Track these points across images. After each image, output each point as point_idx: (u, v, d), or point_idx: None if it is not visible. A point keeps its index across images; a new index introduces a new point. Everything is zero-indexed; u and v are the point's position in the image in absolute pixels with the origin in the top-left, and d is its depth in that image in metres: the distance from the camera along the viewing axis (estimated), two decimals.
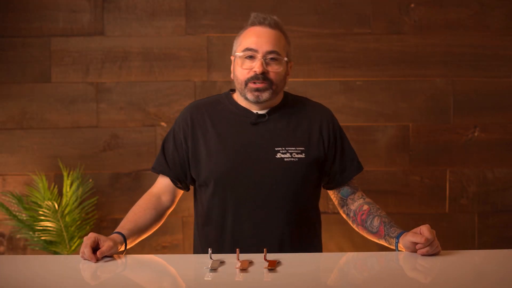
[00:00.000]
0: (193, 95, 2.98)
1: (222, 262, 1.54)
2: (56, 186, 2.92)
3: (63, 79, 2.98)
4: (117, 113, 2.99)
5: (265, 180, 1.76)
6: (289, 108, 1.85)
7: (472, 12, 2.99)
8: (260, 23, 1.78)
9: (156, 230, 1.88)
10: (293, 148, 1.78)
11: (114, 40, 2.98)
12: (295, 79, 2.99)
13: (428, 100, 3.00)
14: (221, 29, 2.97)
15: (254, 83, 1.75)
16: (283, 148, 1.78)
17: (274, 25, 1.78)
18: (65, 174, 2.86)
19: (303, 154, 1.79)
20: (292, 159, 1.77)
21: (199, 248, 1.88)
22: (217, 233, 1.81)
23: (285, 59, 1.78)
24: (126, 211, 1.84)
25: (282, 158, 1.77)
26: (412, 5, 2.98)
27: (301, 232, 1.83)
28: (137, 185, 2.98)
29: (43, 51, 2.97)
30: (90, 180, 2.95)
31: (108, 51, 2.98)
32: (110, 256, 1.61)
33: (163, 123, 2.99)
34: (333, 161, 1.84)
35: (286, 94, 1.90)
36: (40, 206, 2.77)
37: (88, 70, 2.98)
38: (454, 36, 2.99)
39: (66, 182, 2.85)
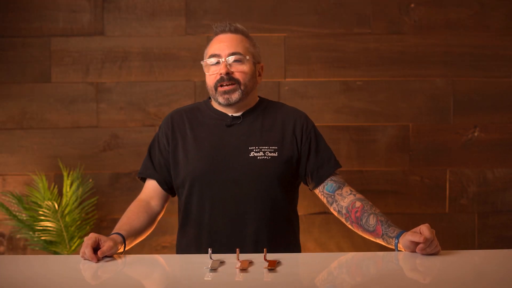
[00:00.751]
0: (193, 95, 2.98)
1: (222, 262, 1.54)
2: (56, 186, 2.92)
3: (63, 79, 2.98)
4: (117, 113, 2.99)
5: (239, 178, 1.81)
6: (263, 111, 1.91)
7: (472, 12, 2.99)
8: (222, 31, 1.88)
9: (156, 230, 1.88)
10: (266, 147, 1.84)
11: (114, 40, 2.98)
12: (295, 79, 2.99)
13: (428, 100, 3.01)
14: None
15: (222, 85, 1.82)
16: (257, 147, 1.83)
17: (235, 30, 1.88)
18: (65, 174, 2.86)
19: (276, 153, 1.83)
20: (265, 157, 1.82)
21: (179, 249, 1.91)
22: (195, 231, 1.85)
23: (247, 57, 1.84)
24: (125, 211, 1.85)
25: (256, 157, 1.82)
26: (412, 5, 2.98)
27: (277, 229, 1.85)
28: (137, 185, 2.98)
29: (43, 51, 2.97)
30: (90, 180, 2.95)
31: (108, 51, 2.98)
32: (110, 256, 1.61)
33: None
34: (308, 159, 1.87)
35: (262, 99, 1.96)
36: (40, 206, 2.77)
37: (88, 70, 2.98)
38: (454, 36, 2.99)
39: (66, 182, 2.85)
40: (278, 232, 1.85)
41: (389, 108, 3.00)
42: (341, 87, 3.00)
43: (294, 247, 1.92)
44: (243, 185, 1.81)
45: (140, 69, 2.99)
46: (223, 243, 1.78)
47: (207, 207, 1.82)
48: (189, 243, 1.86)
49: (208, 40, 2.96)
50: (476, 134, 3.02)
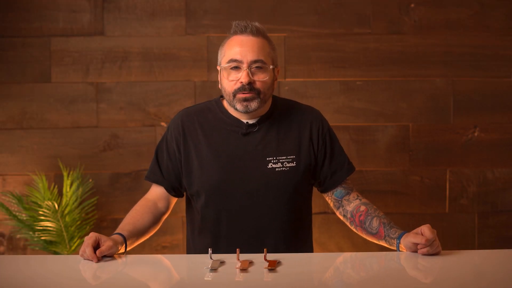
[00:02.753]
0: (193, 95, 2.98)
1: (222, 262, 1.54)
2: (56, 186, 2.92)
3: (63, 79, 2.98)
4: (117, 113, 2.99)
5: (257, 190, 1.78)
6: (278, 115, 1.85)
7: (472, 12, 2.99)
8: (242, 32, 1.76)
9: (157, 230, 1.88)
10: (284, 157, 1.80)
11: (114, 40, 2.98)
12: (295, 79, 2.99)
13: (428, 100, 3.01)
14: (221, 29, 2.97)
15: (242, 93, 1.74)
16: (274, 158, 1.79)
17: (257, 32, 1.76)
18: (65, 174, 2.86)
19: (294, 162, 1.80)
20: (284, 168, 1.79)
21: (193, 251, 1.89)
22: (212, 241, 1.82)
23: (271, 67, 1.77)
24: (126, 211, 1.85)
25: (274, 168, 1.79)
26: (412, 5, 2.98)
27: (296, 238, 1.85)
28: (137, 185, 2.98)
29: (43, 51, 2.97)
30: (90, 180, 2.95)
31: (108, 51, 2.98)
32: (110, 256, 1.61)
33: (163, 123, 2.99)
34: (323, 165, 1.85)
35: (275, 99, 1.89)
36: (40, 206, 2.77)
37: (88, 70, 2.98)
38: (454, 36, 2.99)
39: (66, 182, 2.85)
40: (297, 242, 1.84)
41: (389, 108, 3.00)
42: (341, 87, 3.00)
43: (305, 243, 1.92)
44: (261, 197, 1.78)
45: (140, 69, 2.99)
46: (242, 253, 1.75)
47: (224, 219, 1.80)
48: (205, 248, 1.80)
49: (208, 40, 2.99)
50: (476, 134, 3.02)
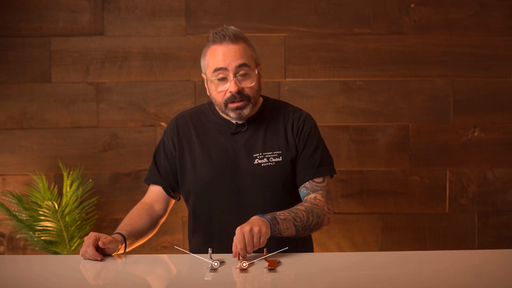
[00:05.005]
0: (193, 95, 2.98)
1: (222, 262, 1.54)
2: (56, 186, 2.92)
3: (63, 79, 2.98)
4: (117, 113, 2.99)
5: (245, 187, 1.81)
6: (267, 115, 1.89)
7: (472, 12, 2.99)
8: (221, 41, 1.78)
9: (154, 233, 1.89)
10: (269, 153, 1.83)
11: (114, 40, 2.98)
12: (295, 79, 2.99)
13: (428, 100, 3.01)
14: None
15: (233, 102, 1.78)
16: (260, 154, 1.82)
17: (235, 38, 1.78)
18: (65, 174, 2.86)
19: (280, 157, 1.83)
20: (270, 163, 1.82)
21: (191, 250, 1.91)
22: (205, 238, 1.85)
23: (256, 71, 1.81)
24: (126, 211, 1.85)
25: (260, 164, 1.82)
26: (412, 5, 2.98)
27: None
28: (137, 185, 2.98)
29: (43, 51, 2.97)
30: (90, 180, 2.95)
31: (108, 51, 2.98)
32: (109, 255, 1.61)
33: (163, 123, 2.99)
34: (296, 162, 1.85)
35: (266, 100, 1.92)
36: (40, 206, 2.77)
37: (88, 70, 2.98)
38: (454, 36, 2.99)
39: (66, 182, 2.85)
40: (292, 239, 1.84)
41: (389, 108, 3.00)
42: (341, 87, 3.00)
43: (304, 243, 1.90)
44: (250, 193, 1.81)
45: (140, 69, 2.99)
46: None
47: (215, 215, 1.83)
48: (199, 247, 1.86)
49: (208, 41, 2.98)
50: (476, 134, 3.02)
